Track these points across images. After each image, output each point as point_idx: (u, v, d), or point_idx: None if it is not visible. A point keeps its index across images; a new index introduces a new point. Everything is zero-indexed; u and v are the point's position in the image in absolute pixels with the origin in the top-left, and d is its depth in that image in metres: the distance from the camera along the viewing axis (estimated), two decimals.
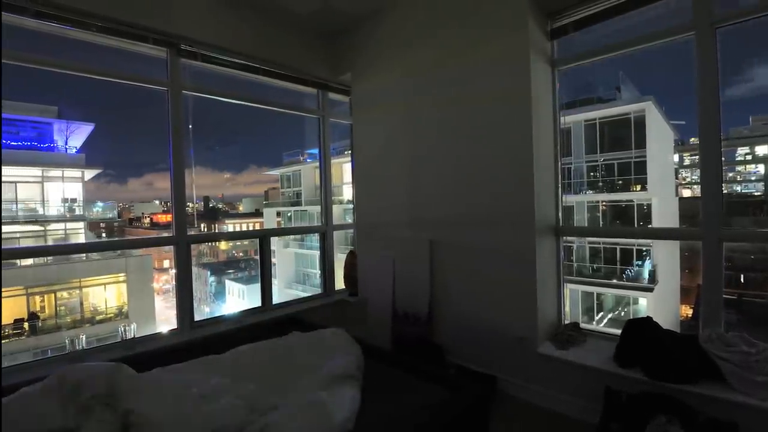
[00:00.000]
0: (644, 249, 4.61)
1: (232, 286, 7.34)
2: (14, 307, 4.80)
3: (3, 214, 4.60)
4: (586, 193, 4.99)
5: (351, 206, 4.73)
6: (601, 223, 4.88)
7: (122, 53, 2.71)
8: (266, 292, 3.33)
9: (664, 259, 4.56)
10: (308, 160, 7.60)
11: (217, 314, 3.18)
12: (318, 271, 4.02)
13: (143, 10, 2.56)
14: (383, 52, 3.31)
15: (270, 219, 7.89)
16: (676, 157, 4.81)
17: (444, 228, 2.88)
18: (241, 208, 7.69)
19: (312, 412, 1.52)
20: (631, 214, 4.67)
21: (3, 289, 4.78)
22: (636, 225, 4.57)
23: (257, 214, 7.84)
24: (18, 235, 4.72)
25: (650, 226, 4.51)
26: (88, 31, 2.46)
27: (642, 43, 2.34)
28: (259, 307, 3.30)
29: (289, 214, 7.86)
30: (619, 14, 2.37)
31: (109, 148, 5.47)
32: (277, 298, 3.45)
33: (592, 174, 5.01)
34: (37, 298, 5.02)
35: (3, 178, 4.67)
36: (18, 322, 4.75)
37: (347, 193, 5.66)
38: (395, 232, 3.22)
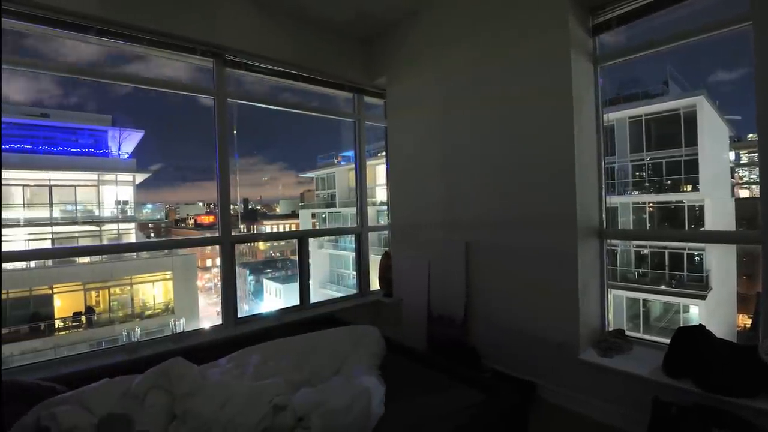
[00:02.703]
0: (696, 253, 4.32)
1: (269, 285, 7.59)
2: (72, 302, 5.19)
3: (64, 215, 4.99)
4: (631, 193, 4.74)
5: (384, 208, 4.77)
6: (647, 225, 4.62)
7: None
8: (304, 292, 3.43)
9: (719, 264, 4.26)
10: (342, 163, 7.73)
11: (255, 312, 3.30)
12: (352, 272, 4.09)
13: (192, 23, 2.72)
14: (418, 55, 3.32)
15: (305, 220, 8.09)
16: (731, 155, 4.48)
17: (481, 230, 2.84)
18: (278, 210, 7.94)
19: (354, 394, 1.61)
20: (681, 216, 4.38)
21: (64, 285, 5.19)
22: (687, 228, 4.29)
23: (293, 215, 8.07)
24: (77, 234, 5.10)
25: (703, 228, 4.22)
26: (139, 44, 2.63)
27: (692, 35, 2.21)
28: (297, 305, 3.41)
29: (323, 216, 8.02)
30: (665, 7, 2.25)
31: (157, 152, 5.80)
32: (312, 298, 3.54)
33: (637, 174, 4.74)
34: (93, 293, 5.39)
35: (65, 182, 5.08)
36: (76, 315, 5.13)
37: (380, 194, 5.70)
38: (430, 233, 3.22)
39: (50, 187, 4.87)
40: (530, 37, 2.53)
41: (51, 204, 4.83)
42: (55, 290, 5.10)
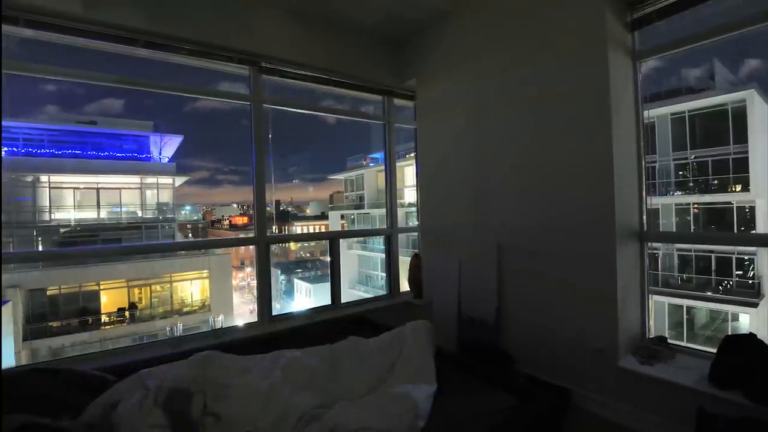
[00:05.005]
0: (746, 258, 4.06)
1: (299, 285, 7.77)
2: (117, 298, 5.51)
3: (110, 216, 5.31)
4: (673, 194, 4.51)
5: (412, 209, 4.78)
6: (692, 228, 4.38)
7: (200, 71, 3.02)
8: (336, 292, 3.49)
9: None
10: (371, 165, 7.81)
11: (286, 310, 3.39)
12: (380, 273, 4.12)
13: (229, 33, 2.83)
14: (449, 56, 3.31)
15: (335, 221, 8.23)
16: None
17: (514, 231, 2.80)
18: (308, 211, 8.13)
19: (398, 402, 1.61)
20: (730, 218, 4.13)
21: (110, 282, 5.52)
22: (735, 230, 4.04)
23: (323, 216, 8.23)
24: (121, 234, 5.41)
25: (754, 231, 3.96)
26: (178, 54, 2.75)
27: (742, 27, 2.08)
28: (329, 305, 3.48)
29: (352, 217, 8.13)
30: None
31: (195, 156, 6.08)
32: (342, 298, 3.60)
33: (680, 173, 4.51)
34: (136, 290, 5.70)
35: (111, 186, 5.41)
36: (120, 310, 5.44)
37: (408, 196, 5.72)
38: (461, 235, 3.20)
39: (98, 189, 5.20)
40: (565, 34, 2.47)
41: (98, 205, 5.16)
42: (101, 287, 5.43)
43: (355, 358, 2.04)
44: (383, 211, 4.08)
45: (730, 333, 2.66)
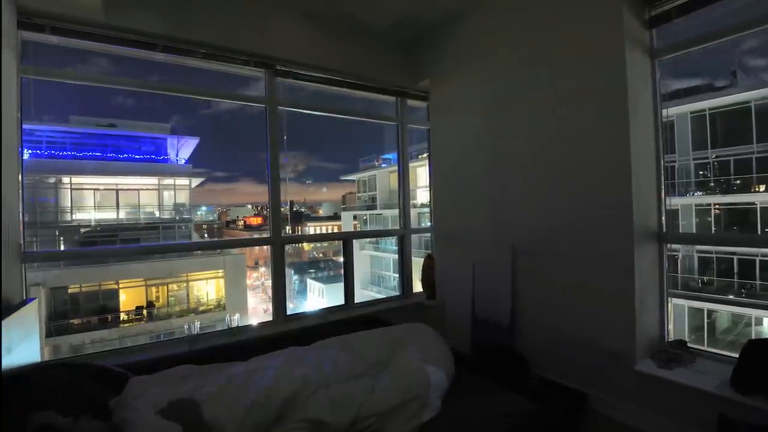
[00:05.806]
0: None
1: (312, 285, 7.82)
2: (135, 296, 5.63)
3: (129, 217, 5.43)
4: (693, 195, 4.40)
5: (424, 210, 4.77)
6: (713, 229, 4.27)
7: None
8: (349, 292, 3.51)
9: None
10: (383, 165, 7.81)
11: (300, 310, 3.42)
12: (393, 274, 4.12)
13: (244, 36, 2.88)
14: (463, 57, 3.30)
15: (347, 222, 8.27)
16: None
17: (528, 233, 2.77)
18: (321, 212, 8.19)
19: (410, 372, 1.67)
20: (753, 218, 4.00)
21: (128, 280, 5.64)
22: (759, 232, 3.92)
23: (335, 217, 8.27)
24: (140, 234, 5.52)
25: None
26: (195, 57, 2.80)
27: (762, 24, 2.02)
28: (342, 305, 3.50)
29: (364, 218, 8.15)
30: None
31: (211, 158, 6.17)
32: (355, 298, 3.61)
33: (701, 173, 4.40)
34: (153, 289, 5.81)
35: (130, 187, 5.53)
36: (138, 309, 5.55)
37: (420, 197, 5.71)
38: (474, 236, 3.18)
39: (117, 190, 5.32)
40: (581, 32, 2.44)
41: (117, 206, 5.28)
42: (120, 285, 5.55)
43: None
44: (396, 211, 4.10)
45: (753, 337, 2.57)
